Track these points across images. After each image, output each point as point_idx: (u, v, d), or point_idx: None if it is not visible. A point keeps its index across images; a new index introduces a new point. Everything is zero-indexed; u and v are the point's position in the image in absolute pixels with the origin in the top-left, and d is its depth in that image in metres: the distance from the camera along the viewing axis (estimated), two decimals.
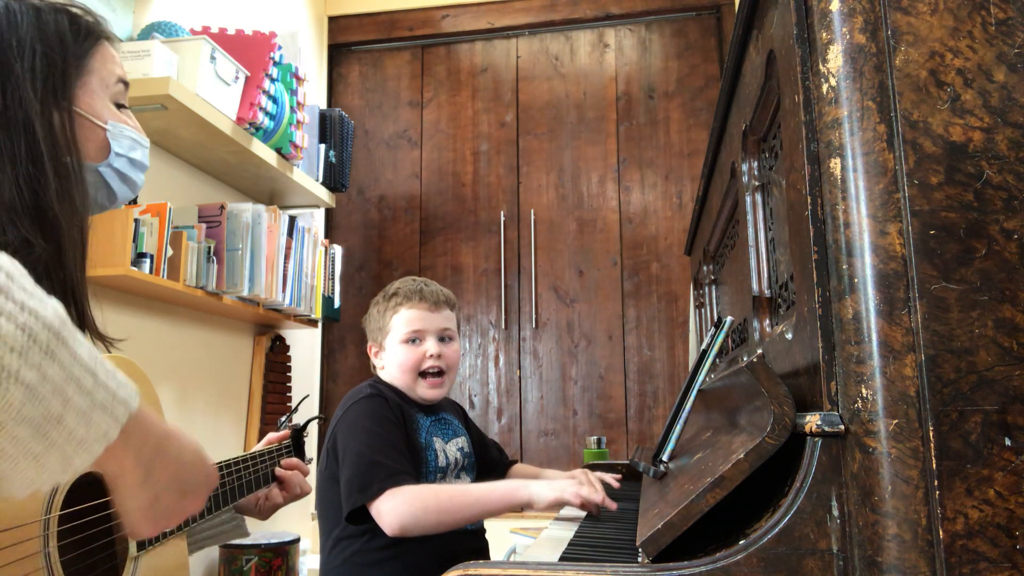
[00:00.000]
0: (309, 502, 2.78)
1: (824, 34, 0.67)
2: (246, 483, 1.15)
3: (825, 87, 0.66)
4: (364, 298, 3.11)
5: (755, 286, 1.03)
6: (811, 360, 0.69)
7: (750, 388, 0.75)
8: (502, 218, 3.15)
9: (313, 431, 2.62)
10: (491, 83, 3.28)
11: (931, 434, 0.59)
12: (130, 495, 0.59)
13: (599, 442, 2.49)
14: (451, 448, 1.52)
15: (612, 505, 1.30)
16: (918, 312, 0.61)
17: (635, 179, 3.10)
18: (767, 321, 1.01)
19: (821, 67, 0.67)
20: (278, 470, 1.25)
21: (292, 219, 2.41)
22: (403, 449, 1.38)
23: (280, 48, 2.28)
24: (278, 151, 2.34)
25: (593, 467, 1.89)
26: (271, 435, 1.32)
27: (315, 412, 3.03)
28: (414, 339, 1.50)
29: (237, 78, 2.10)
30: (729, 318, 1.06)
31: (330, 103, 3.37)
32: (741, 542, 0.63)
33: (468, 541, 1.46)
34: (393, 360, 1.51)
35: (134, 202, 1.86)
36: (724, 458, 0.69)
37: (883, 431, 0.60)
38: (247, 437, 2.48)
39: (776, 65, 0.80)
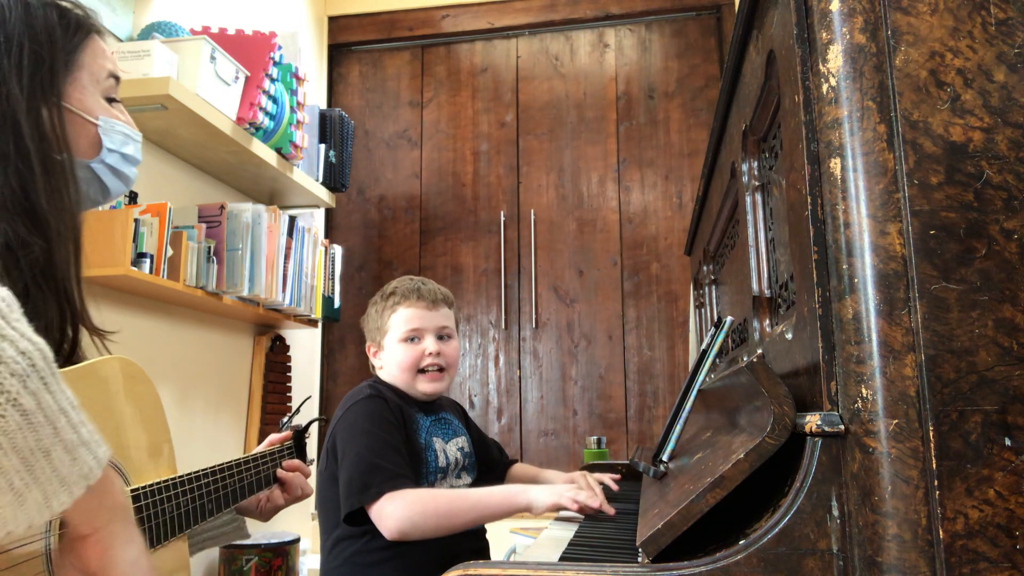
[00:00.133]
0: (309, 502, 2.78)
1: (824, 34, 0.67)
2: (248, 485, 1.14)
3: (825, 87, 0.66)
4: (364, 298, 3.11)
5: (755, 286, 1.03)
6: (811, 360, 0.69)
7: (750, 388, 0.75)
8: (502, 218, 3.15)
9: (313, 432, 2.62)
10: (491, 83, 3.28)
11: (931, 434, 0.59)
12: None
13: (599, 442, 2.49)
14: (451, 448, 1.52)
15: (610, 510, 1.30)
16: (918, 312, 0.61)
17: (635, 179, 3.10)
18: (767, 321, 1.01)
19: (821, 67, 0.67)
20: (280, 472, 1.24)
21: (292, 219, 2.41)
22: (403, 451, 1.38)
23: (280, 48, 2.28)
24: (278, 151, 2.34)
25: (593, 467, 1.89)
26: (272, 436, 1.32)
27: (316, 413, 3.03)
28: (413, 338, 1.50)
29: (237, 78, 2.10)
30: (729, 318, 1.06)
31: (330, 103, 3.37)
32: (741, 542, 0.63)
33: (468, 541, 1.45)
34: (392, 359, 1.51)
35: (134, 202, 1.86)
36: (724, 458, 0.69)
37: (883, 431, 0.60)
38: (247, 437, 2.48)
39: (776, 65, 0.80)
